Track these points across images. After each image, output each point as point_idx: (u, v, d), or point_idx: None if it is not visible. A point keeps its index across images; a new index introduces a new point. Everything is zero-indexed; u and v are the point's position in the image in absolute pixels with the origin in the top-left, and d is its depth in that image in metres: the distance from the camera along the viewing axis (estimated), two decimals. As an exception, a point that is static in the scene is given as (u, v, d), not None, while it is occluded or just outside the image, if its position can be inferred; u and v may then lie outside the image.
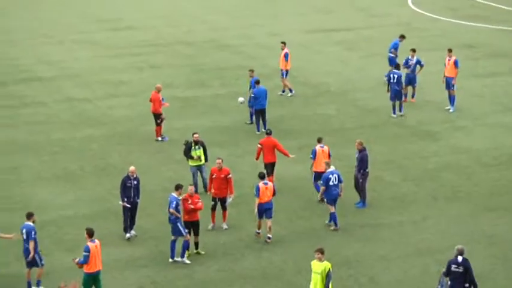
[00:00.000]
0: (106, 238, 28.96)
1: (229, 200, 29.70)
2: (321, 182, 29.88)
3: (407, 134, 38.03)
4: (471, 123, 39.20)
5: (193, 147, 31.50)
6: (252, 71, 39.12)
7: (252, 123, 38.34)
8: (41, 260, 25.78)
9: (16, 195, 32.53)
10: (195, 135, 31.73)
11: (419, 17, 57.27)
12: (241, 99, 37.81)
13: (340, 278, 26.72)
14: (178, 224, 27.62)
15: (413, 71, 41.01)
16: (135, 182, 28.81)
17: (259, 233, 29.28)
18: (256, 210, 29.00)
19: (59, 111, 41.21)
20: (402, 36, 44.15)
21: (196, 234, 28.18)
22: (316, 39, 52.57)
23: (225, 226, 29.72)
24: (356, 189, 31.44)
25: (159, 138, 37.33)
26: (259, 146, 32.65)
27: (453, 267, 24.11)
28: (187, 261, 27.60)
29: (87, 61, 48.82)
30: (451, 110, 40.31)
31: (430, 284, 26.26)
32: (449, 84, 40.25)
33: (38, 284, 25.76)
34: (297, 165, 33.79)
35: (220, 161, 29.79)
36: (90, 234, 24.77)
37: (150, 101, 37.36)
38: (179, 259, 27.59)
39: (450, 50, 41.07)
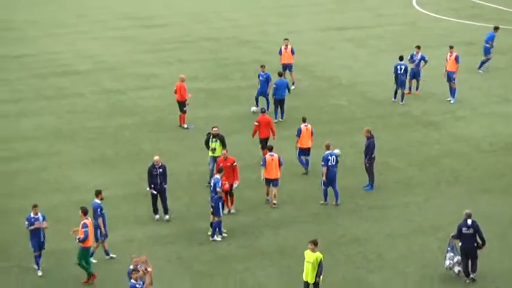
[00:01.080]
0: (137, 217, 29.23)
1: (235, 185, 29.59)
2: (322, 162, 29.93)
3: (412, 123, 37.96)
4: (470, 113, 39.10)
5: (211, 140, 31.47)
6: (263, 66, 38.88)
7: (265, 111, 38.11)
8: (100, 235, 26.11)
9: (57, 178, 32.69)
10: (214, 129, 31.53)
11: (424, 16, 57.07)
12: (254, 108, 37.60)
13: (350, 254, 26.82)
14: (220, 204, 27.65)
15: (418, 65, 40.91)
16: (161, 170, 28.69)
17: (269, 200, 30.00)
18: (263, 178, 29.90)
19: (95, 101, 41.33)
20: (496, 28, 44.53)
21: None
22: (329, 36, 52.49)
23: (233, 210, 29.59)
24: (366, 172, 31.45)
25: (185, 126, 37.38)
26: (256, 123, 33.51)
27: (464, 230, 24.88)
28: (218, 239, 27.66)
29: (121, 56, 48.92)
30: (452, 102, 40.23)
31: (431, 258, 26.39)
32: (450, 78, 40.26)
33: (92, 254, 26.00)
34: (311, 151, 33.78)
35: (225, 151, 29.82)
36: (85, 212, 25.14)
37: (175, 92, 37.50)
38: (217, 238, 27.66)
39: (451, 47, 41.10)
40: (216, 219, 27.60)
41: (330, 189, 30.00)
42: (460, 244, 25.11)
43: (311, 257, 22.99)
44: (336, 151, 30.85)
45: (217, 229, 27.62)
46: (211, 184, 27.86)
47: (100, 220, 25.98)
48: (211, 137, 31.37)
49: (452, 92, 40.42)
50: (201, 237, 27.77)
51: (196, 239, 27.58)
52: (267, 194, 30.24)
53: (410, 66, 40.73)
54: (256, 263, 26.41)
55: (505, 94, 41.43)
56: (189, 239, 27.64)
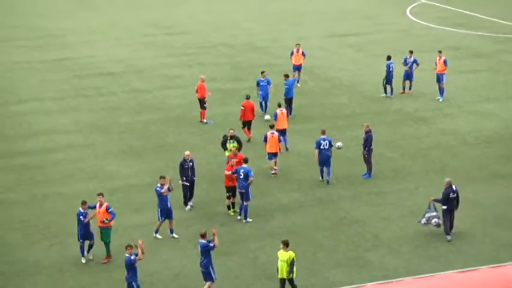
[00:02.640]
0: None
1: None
2: (315, 146, 30.34)
3: (405, 119, 37.74)
4: (456, 110, 38.86)
5: (228, 141, 31.01)
6: (264, 72, 38.11)
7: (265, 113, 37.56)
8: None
9: (92, 167, 32.65)
10: (231, 131, 31.09)
11: (416, 25, 56.83)
12: (267, 116, 36.84)
13: (350, 235, 26.68)
14: (249, 189, 27.51)
15: (411, 68, 40.79)
16: (191, 164, 28.40)
17: (272, 172, 31.07)
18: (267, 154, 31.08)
19: (126, 99, 41.29)
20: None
21: (234, 196, 28.12)
22: (332, 42, 52.32)
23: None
24: (364, 162, 31.28)
25: (204, 121, 37.24)
26: (242, 108, 34.66)
27: (451, 195, 26.11)
28: (249, 220, 27.62)
29: (149, 59, 48.88)
30: (440, 100, 40.00)
31: (420, 239, 26.22)
32: (439, 79, 40.11)
33: (172, 232, 26.30)
34: (314, 143, 33.60)
35: (235, 149, 29.80)
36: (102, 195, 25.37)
37: (196, 91, 37.36)
38: (246, 220, 27.61)
39: (440, 52, 40.94)
40: (245, 203, 27.50)
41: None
42: (444, 207, 26.05)
43: (284, 256, 22.29)
44: (339, 144, 30.88)
45: (247, 211, 27.58)
46: (242, 173, 27.50)
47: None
48: (228, 138, 30.99)
49: (441, 91, 40.23)
50: (219, 219, 27.64)
51: (215, 221, 27.44)
52: (271, 168, 31.06)
53: (404, 69, 40.73)
54: (268, 242, 26.26)
55: (487, 94, 41.18)
56: (208, 221, 27.48)
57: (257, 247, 25.98)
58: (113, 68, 47.08)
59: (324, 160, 30.32)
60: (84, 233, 25.02)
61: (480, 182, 30.67)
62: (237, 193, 28.00)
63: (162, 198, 26.04)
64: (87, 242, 25.20)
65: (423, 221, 26.55)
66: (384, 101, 40.03)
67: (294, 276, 22.44)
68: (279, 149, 31.25)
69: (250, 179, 27.53)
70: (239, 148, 30.43)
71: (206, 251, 22.86)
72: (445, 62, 40.13)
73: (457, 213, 26.50)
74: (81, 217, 25.01)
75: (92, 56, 49.78)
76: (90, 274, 24.44)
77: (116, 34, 55.51)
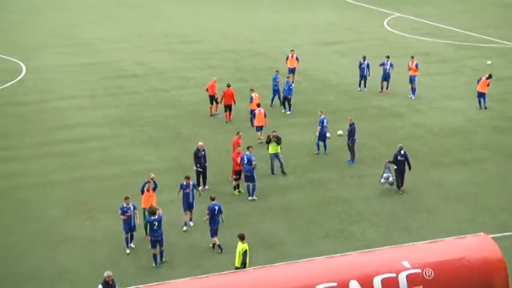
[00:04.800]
0: (177, 184, 28.90)
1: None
2: (318, 123, 31.48)
3: (383, 114, 37.70)
4: (426, 107, 38.80)
5: (271, 141, 29.66)
6: (277, 71, 38.94)
7: (273, 105, 38.08)
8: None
9: (118, 154, 32.69)
10: (273, 133, 29.82)
11: (392, 34, 56.67)
12: (340, 132, 34.51)
13: (337, 212, 26.71)
14: (254, 172, 27.43)
15: (387, 70, 40.73)
16: (203, 153, 28.25)
17: (260, 142, 32.15)
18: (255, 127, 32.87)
19: (148, 97, 41.24)
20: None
21: (239, 178, 28.20)
22: (321, 49, 52.19)
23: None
24: (348, 150, 31.30)
25: (217, 113, 37.06)
26: (222, 94, 36.03)
27: (399, 157, 27.69)
28: (255, 198, 27.58)
29: (167, 63, 48.77)
30: (412, 98, 39.93)
31: (396, 214, 26.23)
32: (411, 80, 40.03)
33: (190, 220, 25.69)
34: (308, 134, 33.63)
35: (241, 133, 29.64)
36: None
37: (207, 89, 37.34)
38: (252, 197, 27.63)
39: (412, 57, 40.90)
40: (251, 184, 27.50)
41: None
42: (395, 167, 27.62)
43: (240, 247, 21.22)
44: (339, 131, 32.42)
45: (255, 190, 27.58)
46: (245, 159, 27.47)
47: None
48: (271, 139, 29.72)
49: (413, 90, 40.14)
50: (226, 198, 27.62)
51: (223, 200, 27.42)
52: (259, 138, 32.53)
53: (382, 71, 40.74)
54: (267, 217, 26.35)
55: (451, 93, 41.10)
56: (217, 200, 27.45)
57: (258, 221, 26.04)
58: (137, 71, 47.00)
59: (323, 135, 31.32)
60: (129, 226, 23.80)
61: (445, 166, 30.71)
62: (242, 177, 28.05)
63: (185, 193, 25.20)
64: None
65: (382, 180, 27.90)
66: (365, 99, 39.97)
67: (247, 266, 20.98)
68: (265, 123, 32.70)
69: (254, 163, 27.54)
70: (278, 143, 29.53)
71: (214, 211, 23.42)
72: (416, 66, 40.06)
73: (424, 191, 26.96)
74: (119, 211, 23.76)
75: (119, 61, 49.70)
76: (118, 244, 24.50)
77: (140, 42, 55.39)
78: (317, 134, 31.58)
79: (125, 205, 23.93)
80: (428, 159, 31.41)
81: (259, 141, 32.40)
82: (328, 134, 31.42)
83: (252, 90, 35.83)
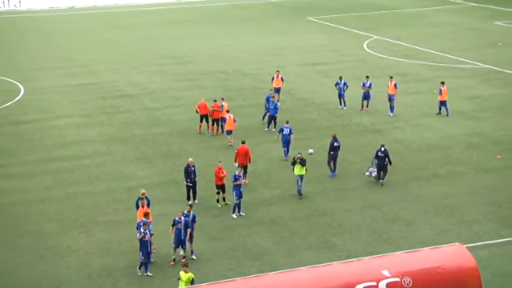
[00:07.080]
0: (168, 198, 28.96)
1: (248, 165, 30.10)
2: (278, 132, 33.43)
3: (363, 130, 37.79)
4: (404, 124, 38.93)
5: (296, 163, 28.65)
6: (272, 89, 40.46)
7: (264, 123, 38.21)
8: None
9: (113, 170, 32.55)
10: (298, 155, 28.74)
11: (371, 56, 56.92)
12: (311, 151, 34.65)
13: (319, 223, 26.65)
14: (241, 189, 26.95)
15: (368, 89, 40.91)
16: (193, 168, 28.12)
17: (230, 144, 33.83)
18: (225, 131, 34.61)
19: (140, 116, 41.13)
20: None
21: (224, 192, 28.12)
22: (306, 70, 52.32)
23: (246, 182, 29.56)
24: (328, 165, 31.26)
25: (209, 131, 36.92)
26: (197, 106, 36.95)
27: (379, 153, 29.66)
28: (243, 214, 27.22)
29: (158, 83, 48.70)
30: (391, 115, 40.09)
31: (376, 226, 26.19)
32: (390, 99, 40.20)
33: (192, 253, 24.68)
34: (293, 150, 33.52)
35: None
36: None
37: (196, 110, 37.26)
38: (235, 215, 27.05)
39: (391, 77, 41.09)
40: (236, 201, 27.09)
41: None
42: (376, 161, 29.60)
43: (185, 276, 19.86)
44: (310, 150, 30.98)
45: (241, 207, 27.34)
46: (232, 177, 27.15)
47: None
48: (296, 160, 28.70)
49: (392, 108, 40.30)
50: (214, 211, 27.58)
51: (211, 213, 27.40)
52: (229, 141, 34.11)
53: (363, 91, 40.91)
54: (254, 229, 26.23)
55: (428, 111, 41.24)
56: (206, 212, 27.45)
57: (245, 233, 25.91)
58: (130, 91, 46.91)
59: (286, 142, 32.62)
60: (146, 250, 22.65)
61: (422, 180, 30.74)
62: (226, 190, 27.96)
63: (177, 229, 23.44)
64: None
65: (367, 173, 29.92)
66: (347, 116, 40.05)
67: None
68: (234, 127, 34.33)
69: (241, 182, 27.04)
70: (303, 165, 28.50)
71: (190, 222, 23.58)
72: (395, 85, 40.24)
73: (403, 204, 27.12)
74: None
75: (113, 81, 49.58)
76: (112, 256, 24.32)
77: (133, 63, 55.31)
78: (276, 138, 33.50)
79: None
80: (406, 173, 31.45)
81: (230, 143, 34.03)
82: (311, 150, 31.17)
83: (222, 99, 36.98)
